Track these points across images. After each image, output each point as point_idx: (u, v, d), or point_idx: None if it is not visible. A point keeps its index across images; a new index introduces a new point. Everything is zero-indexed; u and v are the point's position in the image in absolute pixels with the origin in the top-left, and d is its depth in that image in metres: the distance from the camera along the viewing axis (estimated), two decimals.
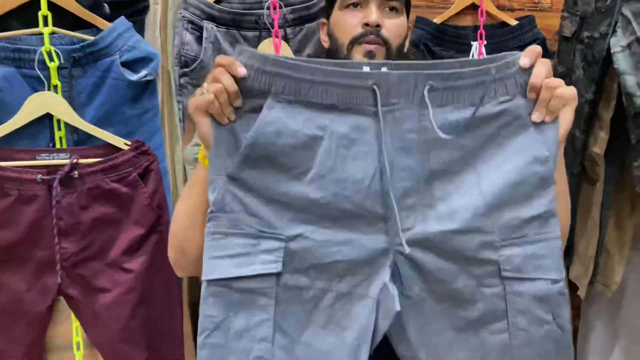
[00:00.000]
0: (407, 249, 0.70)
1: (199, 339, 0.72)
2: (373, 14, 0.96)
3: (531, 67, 0.72)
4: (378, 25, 0.96)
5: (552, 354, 0.74)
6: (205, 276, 0.72)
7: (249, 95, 0.72)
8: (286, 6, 1.27)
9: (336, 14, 1.02)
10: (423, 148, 0.71)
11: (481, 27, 1.41)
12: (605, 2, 1.15)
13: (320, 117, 0.71)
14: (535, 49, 0.72)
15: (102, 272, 1.14)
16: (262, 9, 1.26)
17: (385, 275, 0.71)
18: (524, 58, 0.72)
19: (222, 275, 0.71)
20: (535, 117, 0.73)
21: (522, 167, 0.72)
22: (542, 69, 0.72)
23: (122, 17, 1.16)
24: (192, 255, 0.80)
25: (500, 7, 1.47)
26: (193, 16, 1.25)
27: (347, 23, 0.98)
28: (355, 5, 0.99)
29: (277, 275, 0.71)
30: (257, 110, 0.72)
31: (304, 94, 0.71)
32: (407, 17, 1.05)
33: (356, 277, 0.72)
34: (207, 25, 1.26)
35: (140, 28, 1.23)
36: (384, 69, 0.72)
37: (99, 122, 1.14)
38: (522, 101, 0.72)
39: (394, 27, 0.99)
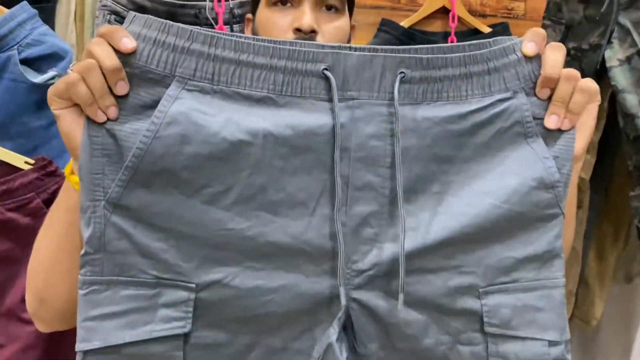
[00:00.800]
0: (359, 296, 0.56)
1: None
2: (306, 16, 0.79)
3: (537, 55, 0.58)
4: (313, 31, 0.79)
5: None
6: (80, 345, 0.55)
7: (141, 82, 0.54)
8: None
9: (263, 11, 0.84)
10: (391, 160, 0.57)
11: (452, 34, 1.35)
12: (598, 9, 1.04)
13: (248, 114, 0.55)
14: (540, 31, 0.58)
15: None
16: (204, 0, 1.14)
17: (332, 332, 0.57)
18: (528, 43, 0.57)
19: (105, 342, 0.54)
20: (552, 121, 0.58)
21: (522, 193, 0.57)
22: (558, 56, 0.57)
23: (24, 2, 1.02)
24: (57, 307, 0.65)
25: (471, 12, 1.41)
26: (117, 5, 1.12)
27: (275, 25, 0.81)
28: (284, 2, 0.81)
29: (186, 333, 0.56)
30: (154, 104, 0.54)
31: (225, 79, 0.54)
32: (351, 14, 0.88)
33: (294, 328, 0.58)
34: None
35: (49, 17, 1.10)
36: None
37: None
38: (524, 99, 0.58)
39: (333, 31, 0.81)
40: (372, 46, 0.57)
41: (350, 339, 0.59)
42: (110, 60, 0.52)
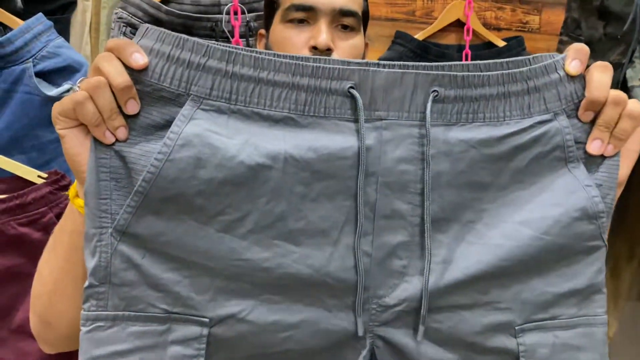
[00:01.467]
0: (387, 333, 0.54)
1: None
2: (322, 34, 0.78)
3: (580, 74, 0.54)
4: (329, 49, 0.78)
5: None
6: None
7: (153, 101, 0.51)
8: (250, 12, 1.14)
9: (277, 28, 0.84)
10: (421, 186, 0.53)
11: (467, 47, 1.33)
12: (619, 27, 1.03)
13: (268, 136, 0.51)
14: (583, 48, 0.54)
15: (4, 340, 0.96)
16: (220, 13, 1.13)
17: None
18: (572, 60, 0.53)
19: None
20: (595, 146, 0.54)
21: (564, 224, 0.54)
22: (604, 77, 0.53)
23: (40, 14, 1.01)
24: (61, 330, 0.62)
25: (486, 26, 1.40)
26: (132, 17, 1.11)
27: (290, 43, 0.80)
28: (300, 21, 0.81)
29: None
30: (167, 124, 0.51)
31: (244, 99, 0.51)
32: (365, 30, 0.88)
33: None
34: None
35: (64, 29, 1.09)
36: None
37: (4, 148, 0.98)
38: (566, 122, 0.54)
39: (348, 49, 0.81)
40: (402, 62, 0.54)
41: None
42: (121, 77, 0.48)
